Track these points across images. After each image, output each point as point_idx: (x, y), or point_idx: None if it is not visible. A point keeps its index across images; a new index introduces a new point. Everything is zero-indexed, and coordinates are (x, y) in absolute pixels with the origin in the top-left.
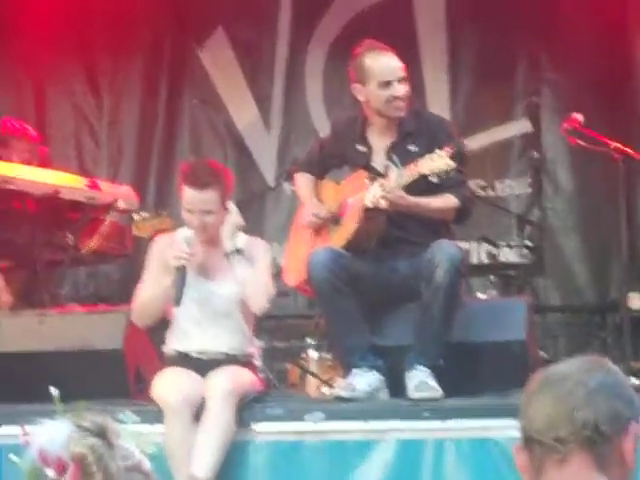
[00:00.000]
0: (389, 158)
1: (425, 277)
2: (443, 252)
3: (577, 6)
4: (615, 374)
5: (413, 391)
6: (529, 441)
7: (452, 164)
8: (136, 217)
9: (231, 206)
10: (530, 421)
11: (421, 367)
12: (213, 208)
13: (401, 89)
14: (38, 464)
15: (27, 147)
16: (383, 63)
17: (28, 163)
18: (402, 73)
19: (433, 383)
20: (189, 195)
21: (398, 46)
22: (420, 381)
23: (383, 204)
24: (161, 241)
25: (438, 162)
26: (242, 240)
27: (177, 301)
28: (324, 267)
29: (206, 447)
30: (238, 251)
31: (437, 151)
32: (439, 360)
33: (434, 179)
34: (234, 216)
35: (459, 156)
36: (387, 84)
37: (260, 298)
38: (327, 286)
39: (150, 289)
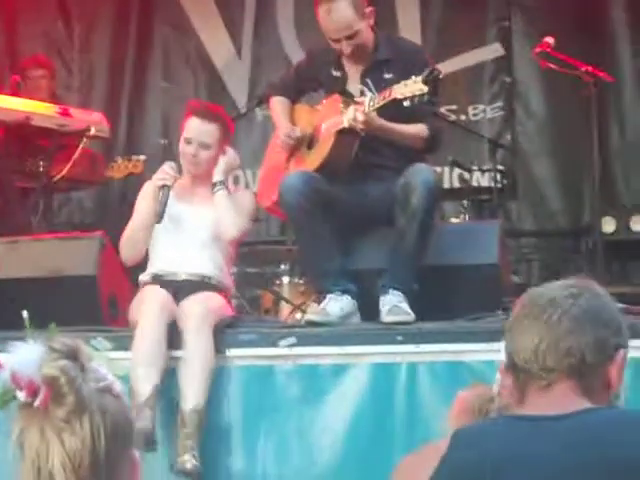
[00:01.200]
0: (363, 83)
1: (400, 202)
2: (418, 176)
3: None
4: (602, 298)
5: (385, 315)
6: (514, 367)
7: (425, 89)
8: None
9: (229, 150)
10: (516, 349)
11: (394, 291)
12: (211, 142)
13: (346, 48)
14: (9, 387)
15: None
16: (329, 22)
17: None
18: (348, 31)
19: (406, 307)
20: (193, 124)
21: None
22: (393, 305)
23: (360, 126)
24: (150, 184)
25: (411, 87)
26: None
27: (159, 217)
28: (296, 191)
29: (194, 377)
30: (222, 182)
31: (412, 77)
32: (413, 284)
33: (407, 103)
34: (230, 157)
35: (432, 82)
36: (335, 41)
37: (231, 227)
38: (299, 210)
39: (135, 220)
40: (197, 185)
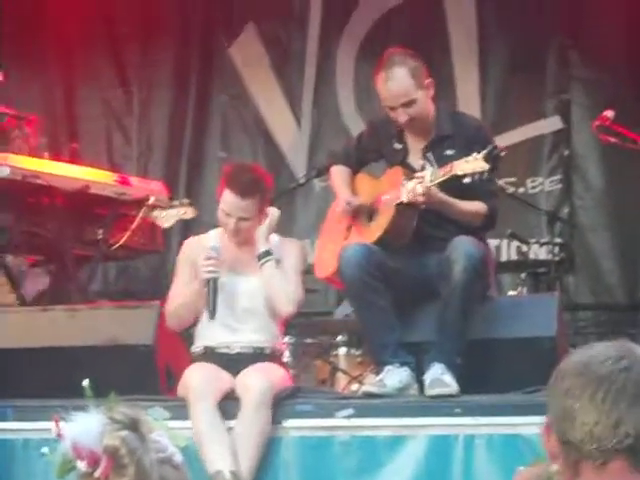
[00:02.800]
0: (425, 157)
1: (443, 275)
2: (460, 250)
3: (606, 1)
4: None
5: (427, 388)
6: (565, 443)
7: (486, 166)
8: (157, 211)
9: (272, 210)
10: (569, 426)
11: (438, 364)
12: (250, 216)
13: (402, 116)
14: (70, 457)
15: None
16: (386, 89)
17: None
18: (405, 99)
19: (448, 379)
20: (229, 199)
21: (428, 43)
22: (434, 378)
23: (420, 200)
24: (190, 244)
25: (473, 164)
26: (274, 241)
27: (212, 314)
28: (355, 263)
29: (246, 450)
30: (268, 252)
31: (474, 154)
32: (457, 357)
33: (467, 180)
34: (272, 220)
35: (493, 160)
36: (391, 109)
37: (286, 303)
38: (358, 283)
39: (181, 295)
40: (242, 249)
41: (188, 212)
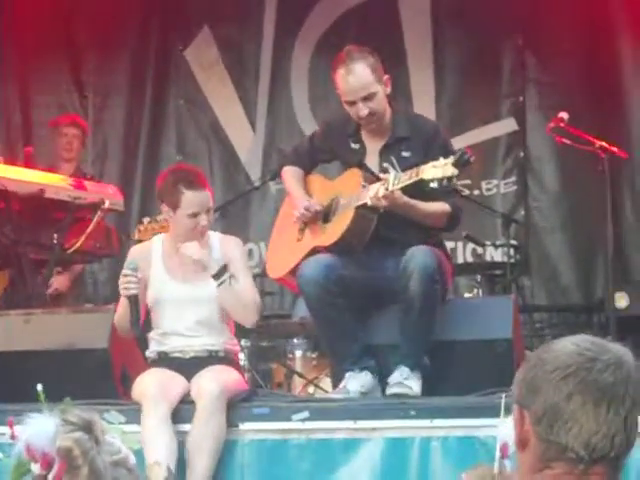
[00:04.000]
0: (387, 160)
1: (401, 285)
2: (416, 261)
3: (561, 5)
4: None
5: (388, 389)
6: (550, 441)
7: (456, 172)
8: (139, 225)
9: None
10: (563, 428)
11: (402, 367)
12: (212, 205)
13: (363, 110)
14: (24, 460)
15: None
16: (346, 83)
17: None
18: (365, 92)
19: (410, 382)
20: (194, 198)
21: (383, 46)
22: (396, 382)
23: (383, 203)
24: (134, 253)
25: (442, 169)
26: (215, 240)
27: (135, 330)
28: (314, 281)
29: (201, 454)
30: (220, 273)
31: (441, 159)
32: (422, 360)
33: (434, 185)
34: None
35: (463, 166)
36: (351, 103)
37: (251, 315)
38: (318, 300)
39: (120, 308)
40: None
41: (166, 227)
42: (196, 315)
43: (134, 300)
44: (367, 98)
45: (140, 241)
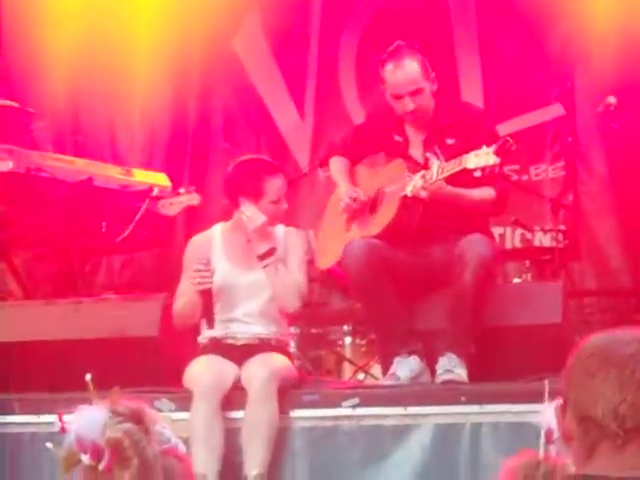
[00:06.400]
0: (430, 150)
1: (455, 273)
2: (473, 251)
3: None
4: None
5: (439, 377)
6: (586, 420)
7: (498, 160)
8: (163, 200)
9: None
10: (593, 404)
11: (451, 355)
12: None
13: (409, 105)
14: (74, 450)
15: None
16: (395, 77)
17: None
18: (413, 87)
19: (458, 370)
20: (276, 184)
21: (430, 32)
22: (446, 369)
23: (423, 194)
24: (195, 242)
25: (484, 158)
26: (279, 232)
27: (209, 323)
28: (359, 259)
29: (256, 442)
30: (267, 253)
31: (484, 147)
32: (469, 347)
33: (477, 174)
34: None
35: (505, 154)
36: (397, 97)
37: (292, 300)
38: (363, 278)
39: (183, 298)
40: (248, 243)
41: (193, 198)
42: (256, 303)
43: (208, 294)
44: (414, 93)
45: (169, 215)
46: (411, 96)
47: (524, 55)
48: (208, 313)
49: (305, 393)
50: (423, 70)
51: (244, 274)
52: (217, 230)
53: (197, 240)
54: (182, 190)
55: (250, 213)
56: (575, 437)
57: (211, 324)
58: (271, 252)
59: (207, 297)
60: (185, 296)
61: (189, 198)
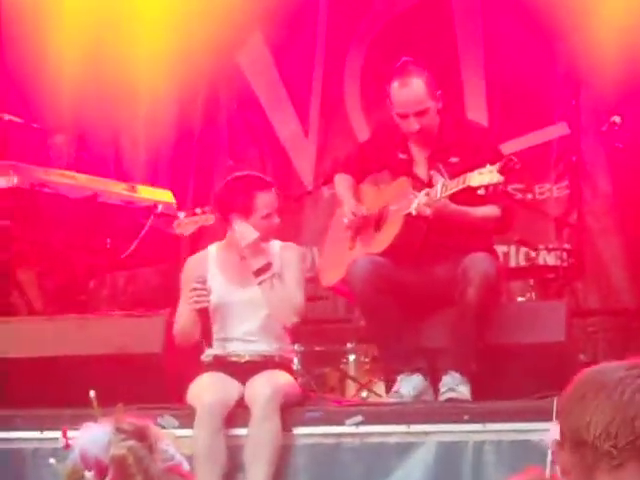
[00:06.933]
0: (434, 168)
1: (458, 290)
2: (476, 269)
3: (613, 9)
4: None
5: (442, 395)
6: (581, 445)
7: (502, 179)
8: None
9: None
10: (585, 426)
11: (452, 372)
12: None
13: (414, 124)
14: (78, 467)
15: None
16: (400, 96)
17: None
18: (419, 107)
19: (461, 388)
20: (267, 199)
21: (436, 49)
22: (449, 387)
23: (428, 212)
24: (191, 262)
25: (488, 176)
26: (275, 247)
27: (206, 341)
28: (364, 277)
29: (258, 462)
30: (262, 269)
31: (488, 166)
32: (471, 365)
33: (481, 192)
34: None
35: (509, 173)
36: (403, 116)
37: (288, 315)
38: (367, 296)
39: (182, 318)
40: (243, 260)
41: (209, 219)
42: (256, 320)
43: (205, 313)
44: (419, 114)
45: (183, 235)
46: (416, 117)
47: (529, 74)
48: (206, 332)
49: (308, 410)
50: (429, 89)
51: (240, 291)
52: (212, 249)
53: (193, 260)
54: (198, 210)
55: (242, 229)
56: (572, 467)
57: (209, 343)
58: (267, 268)
59: (205, 316)
60: (184, 316)
61: (205, 218)
